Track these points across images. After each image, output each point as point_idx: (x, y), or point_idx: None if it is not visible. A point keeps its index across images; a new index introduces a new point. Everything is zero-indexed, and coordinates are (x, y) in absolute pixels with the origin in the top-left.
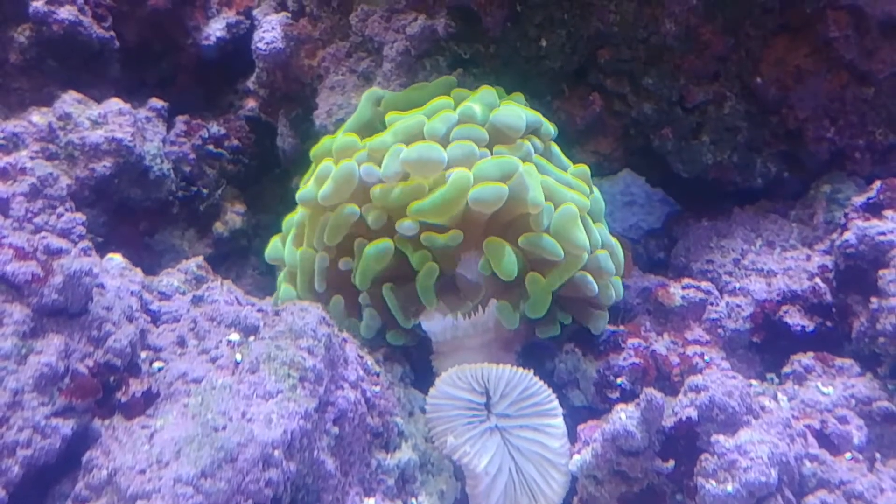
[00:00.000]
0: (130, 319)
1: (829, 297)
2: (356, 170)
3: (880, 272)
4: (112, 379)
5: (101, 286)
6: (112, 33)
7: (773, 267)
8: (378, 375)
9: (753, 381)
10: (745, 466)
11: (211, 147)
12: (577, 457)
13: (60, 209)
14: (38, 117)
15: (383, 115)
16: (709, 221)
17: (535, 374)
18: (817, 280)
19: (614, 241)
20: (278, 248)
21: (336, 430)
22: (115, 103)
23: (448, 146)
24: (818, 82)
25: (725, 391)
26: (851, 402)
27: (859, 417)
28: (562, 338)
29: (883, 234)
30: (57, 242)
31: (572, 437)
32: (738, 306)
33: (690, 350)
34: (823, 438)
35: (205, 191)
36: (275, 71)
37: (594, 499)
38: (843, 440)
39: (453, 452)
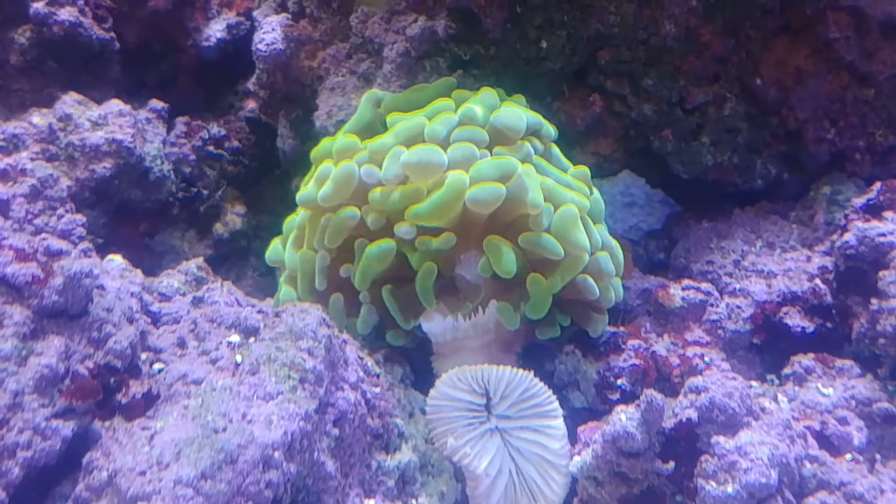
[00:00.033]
0: (131, 321)
1: (829, 299)
2: (356, 171)
3: (880, 273)
4: (112, 380)
5: (102, 287)
6: (112, 34)
7: (774, 268)
8: (378, 377)
9: (754, 383)
10: (746, 468)
11: (211, 148)
12: (577, 458)
13: (61, 210)
14: (39, 118)
15: (383, 117)
16: (709, 222)
17: (535, 375)
18: (817, 281)
19: (614, 243)
20: (278, 250)
21: (336, 431)
22: (115, 104)
23: (448, 148)
24: (818, 83)
25: (725, 392)
26: (852, 403)
27: (859, 419)
28: (562, 339)
29: (883, 235)
30: (57, 244)
31: (572, 438)
32: (739, 307)
33: (690, 351)
34: (824, 440)
35: (205, 192)
36: (275, 72)
37: (594, 500)
38: (844, 441)
39: (453, 454)
